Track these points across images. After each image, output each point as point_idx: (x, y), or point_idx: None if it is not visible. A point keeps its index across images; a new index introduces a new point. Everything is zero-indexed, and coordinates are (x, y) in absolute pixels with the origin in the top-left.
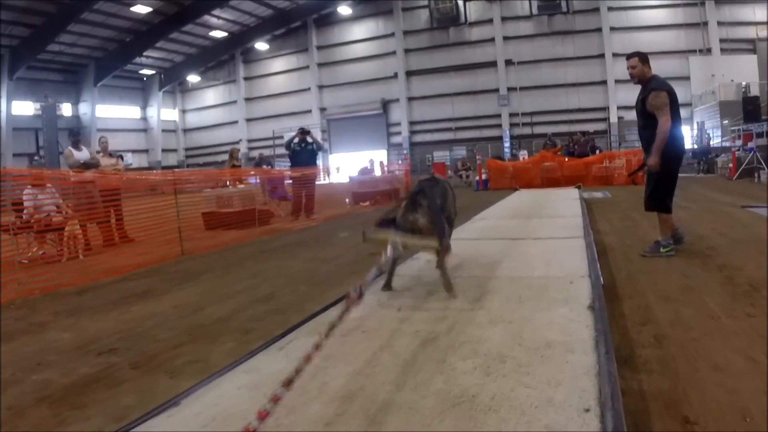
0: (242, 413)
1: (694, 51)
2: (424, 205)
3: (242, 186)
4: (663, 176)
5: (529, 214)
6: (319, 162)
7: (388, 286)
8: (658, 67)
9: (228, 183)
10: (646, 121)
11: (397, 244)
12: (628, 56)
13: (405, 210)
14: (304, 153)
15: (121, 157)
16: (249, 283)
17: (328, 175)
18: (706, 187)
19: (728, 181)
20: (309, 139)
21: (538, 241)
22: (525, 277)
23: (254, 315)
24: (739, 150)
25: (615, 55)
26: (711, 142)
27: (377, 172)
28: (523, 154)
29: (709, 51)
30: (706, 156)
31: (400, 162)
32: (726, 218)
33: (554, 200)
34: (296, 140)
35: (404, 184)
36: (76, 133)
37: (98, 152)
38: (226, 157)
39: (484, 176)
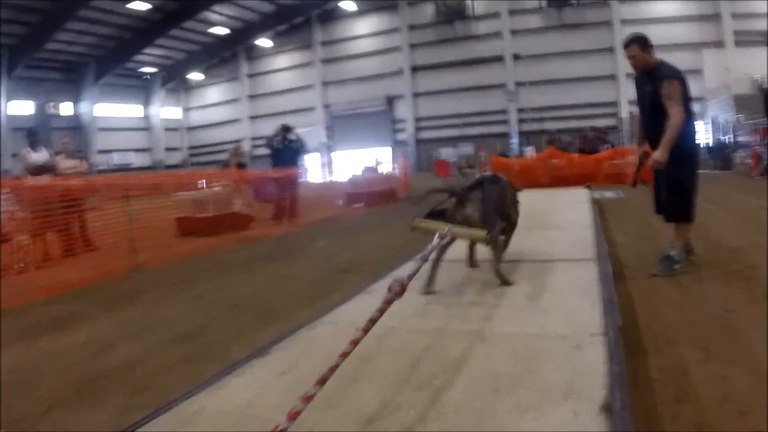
0: None
1: (707, 44)
2: (477, 199)
3: (219, 188)
4: (685, 178)
5: (530, 224)
6: (324, 159)
7: (429, 287)
8: (671, 61)
9: (203, 185)
10: (656, 112)
11: (445, 233)
12: (625, 44)
13: (457, 202)
14: (286, 152)
15: (85, 159)
16: (184, 309)
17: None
18: (726, 186)
19: (749, 179)
20: (292, 137)
21: (538, 267)
22: (517, 336)
23: (164, 361)
24: (760, 146)
25: None
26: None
27: (381, 171)
28: (530, 151)
29: (722, 44)
30: (722, 151)
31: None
32: (759, 224)
33: (561, 204)
34: (278, 138)
35: (403, 185)
36: (33, 132)
37: (58, 153)
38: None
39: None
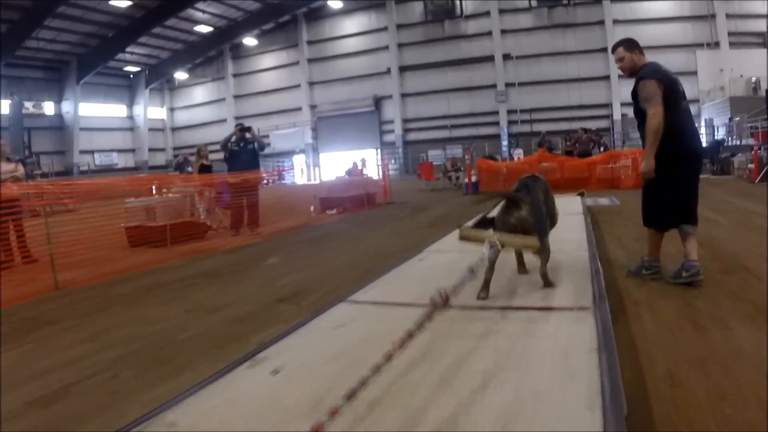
0: None
1: (701, 45)
2: (527, 201)
3: (172, 195)
4: (683, 180)
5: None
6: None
7: (485, 292)
8: (664, 62)
9: (153, 191)
10: (641, 114)
11: (495, 242)
12: (613, 48)
13: (505, 207)
14: (244, 154)
15: (22, 162)
16: (62, 359)
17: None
18: (728, 193)
19: (750, 184)
20: (248, 137)
21: (514, 322)
22: None
23: None
24: (761, 149)
25: None
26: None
27: (366, 174)
28: (518, 154)
29: (717, 45)
30: (718, 154)
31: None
32: None
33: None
34: (234, 139)
35: (382, 189)
36: None
37: None
38: (215, 156)
39: (473, 178)
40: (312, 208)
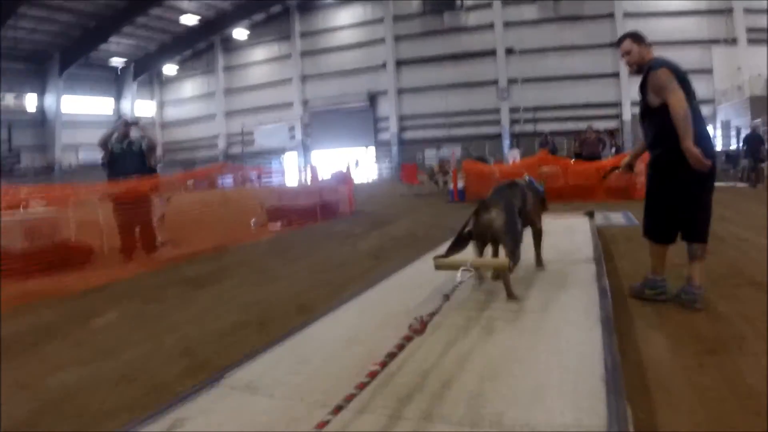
0: None
1: (717, 41)
2: (496, 204)
3: (41, 209)
4: (691, 188)
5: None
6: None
7: (511, 296)
8: (677, 59)
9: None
10: (649, 110)
11: (468, 269)
12: (618, 41)
13: (476, 212)
14: (129, 156)
15: None
16: None
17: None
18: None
19: None
20: (133, 136)
21: None
22: None
23: None
24: None
25: None
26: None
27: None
28: (513, 156)
29: (734, 41)
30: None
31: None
32: None
33: (550, 256)
34: (116, 136)
35: (347, 199)
36: None
37: None
38: (204, 153)
39: (460, 184)
40: (253, 222)
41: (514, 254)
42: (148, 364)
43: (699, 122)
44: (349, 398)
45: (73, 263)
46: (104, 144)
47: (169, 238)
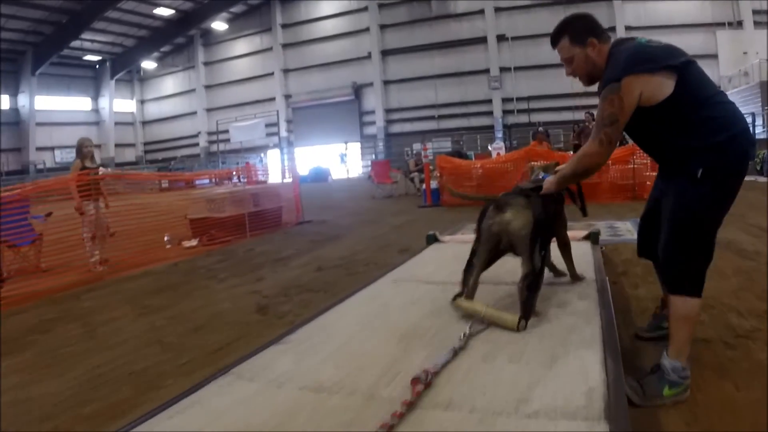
0: None
1: (722, 24)
2: (514, 204)
3: None
4: (698, 214)
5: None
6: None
7: (527, 317)
8: (680, 44)
9: None
10: (641, 129)
11: (479, 318)
12: (551, 41)
13: (484, 213)
14: None
15: None
16: None
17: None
18: None
19: None
20: None
21: None
22: None
23: None
24: None
25: (628, 28)
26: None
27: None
28: (497, 149)
29: (740, 24)
30: None
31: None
32: None
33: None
34: None
35: (293, 204)
36: None
37: None
38: (186, 152)
39: (433, 184)
40: (167, 238)
41: (532, 262)
42: None
43: (717, 108)
44: None
45: None
46: None
47: (32, 265)
